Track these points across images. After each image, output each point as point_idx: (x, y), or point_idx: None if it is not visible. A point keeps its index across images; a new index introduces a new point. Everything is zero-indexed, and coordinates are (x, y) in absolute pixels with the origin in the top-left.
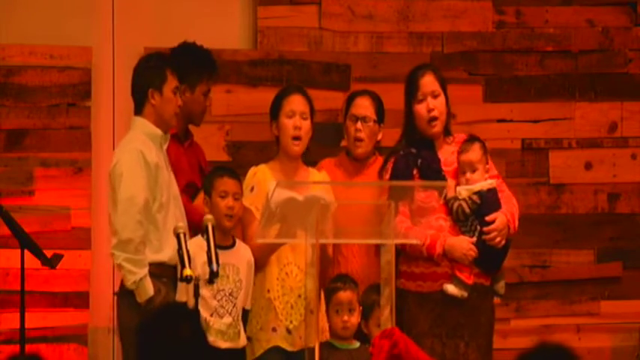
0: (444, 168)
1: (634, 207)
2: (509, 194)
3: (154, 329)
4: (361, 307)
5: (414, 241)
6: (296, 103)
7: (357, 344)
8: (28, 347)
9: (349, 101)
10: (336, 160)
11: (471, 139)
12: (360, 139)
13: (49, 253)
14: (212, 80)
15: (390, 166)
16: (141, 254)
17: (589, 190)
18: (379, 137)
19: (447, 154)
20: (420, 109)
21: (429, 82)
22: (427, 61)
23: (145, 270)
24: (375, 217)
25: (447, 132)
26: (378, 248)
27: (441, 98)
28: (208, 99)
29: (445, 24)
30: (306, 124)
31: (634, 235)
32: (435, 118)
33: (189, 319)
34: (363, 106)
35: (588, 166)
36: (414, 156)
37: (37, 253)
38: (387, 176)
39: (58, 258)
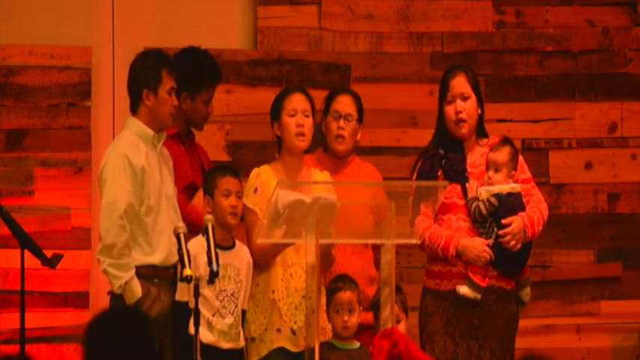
0: (470, 169)
1: (634, 207)
2: (539, 199)
3: (100, 334)
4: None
5: (413, 241)
6: (297, 101)
7: (357, 344)
8: (28, 347)
9: (330, 99)
10: (315, 157)
11: (505, 141)
12: (342, 137)
13: (49, 253)
14: (214, 89)
15: (418, 166)
16: (125, 258)
17: (589, 190)
18: (358, 136)
19: (476, 155)
20: (449, 110)
21: (459, 83)
22: (427, 61)
23: (131, 273)
24: (373, 217)
25: (481, 133)
26: (370, 247)
27: (471, 101)
28: (211, 106)
29: (445, 24)
30: (309, 122)
31: (634, 235)
32: (462, 120)
33: (137, 322)
34: (346, 104)
35: (588, 166)
36: (440, 157)
37: (37, 253)
38: (415, 177)
39: (58, 258)
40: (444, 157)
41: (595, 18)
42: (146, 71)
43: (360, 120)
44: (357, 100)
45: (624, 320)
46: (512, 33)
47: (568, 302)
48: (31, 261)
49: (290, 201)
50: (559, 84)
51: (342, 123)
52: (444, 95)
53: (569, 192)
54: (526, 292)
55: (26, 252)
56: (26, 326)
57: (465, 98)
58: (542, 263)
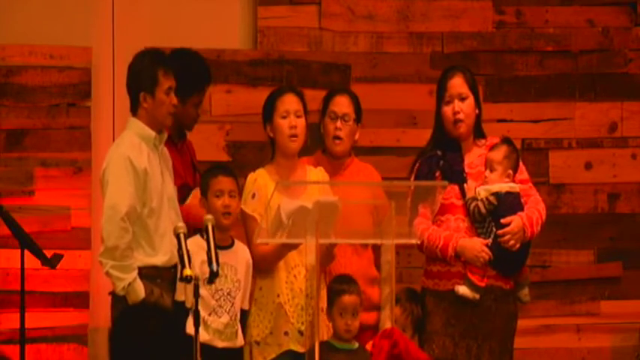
0: (468, 170)
1: (634, 207)
2: (537, 199)
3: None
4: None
5: (413, 241)
6: (289, 102)
7: (356, 344)
8: (28, 347)
9: (327, 99)
10: (314, 159)
11: (504, 140)
12: (340, 138)
13: (49, 253)
14: (204, 92)
15: (416, 168)
16: (128, 260)
17: (589, 190)
18: (356, 137)
19: (474, 156)
20: (447, 110)
21: (457, 84)
22: (427, 61)
23: (134, 274)
24: (372, 218)
25: (479, 134)
26: (371, 247)
27: (469, 101)
28: (201, 107)
29: (445, 24)
30: (301, 122)
31: (634, 235)
32: (459, 121)
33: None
34: (344, 105)
35: (588, 166)
36: (438, 158)
37: (37, 253)
38: (413, 179)
39: (58, 258)
40: (442, 158)
41: (595, 18)
42: (142, 73)
43: (357, 120)
44: (355, 100)
45: (624, 320)
46: (512, 33)
47: (568, 302)
48: (31, 261)
49: (292, 209)
50: (559, 84)
51: (339, 124)
52: (441, 96)
53: (569, 192)
54: (525, 293)
55: (26, 252)
56: (26, 326)
57: (462, 98)
58: (542, 263)
